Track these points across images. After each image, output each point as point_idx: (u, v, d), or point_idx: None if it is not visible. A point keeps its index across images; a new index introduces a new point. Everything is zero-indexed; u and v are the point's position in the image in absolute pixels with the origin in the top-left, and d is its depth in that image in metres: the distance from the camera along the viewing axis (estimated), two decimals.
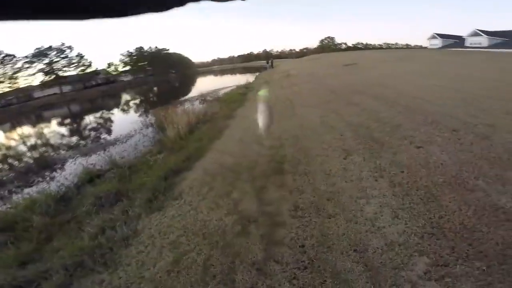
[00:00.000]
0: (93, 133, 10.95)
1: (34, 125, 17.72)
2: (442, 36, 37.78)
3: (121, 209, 3.20)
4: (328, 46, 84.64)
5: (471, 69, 9.45)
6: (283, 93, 9.41)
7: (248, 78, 19.34)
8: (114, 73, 57.35)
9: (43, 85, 40.43)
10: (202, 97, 13.62)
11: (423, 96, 5.58)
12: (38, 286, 2.22)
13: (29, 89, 38.91)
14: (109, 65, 56.56)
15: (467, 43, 32.43)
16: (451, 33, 38.32)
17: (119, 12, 0.37)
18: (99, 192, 3.72)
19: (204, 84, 25.82)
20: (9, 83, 36.89)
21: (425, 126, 3.83)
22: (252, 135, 4.81)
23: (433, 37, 38.96)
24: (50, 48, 41.79)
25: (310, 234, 2.08)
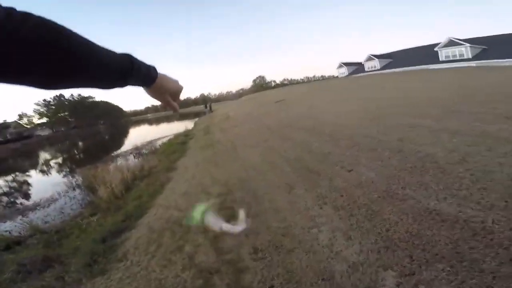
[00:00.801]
0: (5, 199, 9.31)
1: None
2: (346, 64, 44.88)
3: (55, 275, 2.82)
4: (260, 85, 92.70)
5: (372, 92, 11.47)
6: (224, 136, 9.54)
7: (187, 124, 19.11)
8: (28, 126, 48.43)
9: None
10: (137, 150, 12.70)
11: (342, 123, 6.37)
12: None
13: None
14: (21, 116, 47.91)
15: (366, 68, 39.38)
16: (353, 60, 45.84)
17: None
18: (21, 259, 3.29)
19: (138, 135, 24.34)
20: None
21: (349, 150, 4.27)
22: (198, 185, 4.60)
23: (340, 66, 46.14)
24: None
25: (276, 273, 2.00)
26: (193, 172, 5.58)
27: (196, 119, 26.06)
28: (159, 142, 13.98)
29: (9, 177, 14.11)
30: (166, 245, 2.87)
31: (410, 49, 36.69)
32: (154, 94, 0.62)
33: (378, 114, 6.38)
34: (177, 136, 14.00)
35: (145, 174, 6.72)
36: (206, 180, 4.74)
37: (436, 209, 2.22)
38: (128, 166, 7.93)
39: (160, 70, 0.61)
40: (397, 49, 39.64)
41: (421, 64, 27.36)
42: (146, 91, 0.60)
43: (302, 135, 6.17)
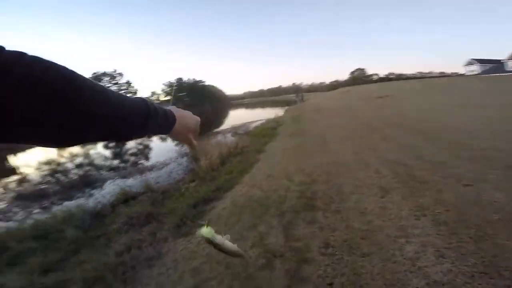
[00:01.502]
0: (133, 158, 11.70)
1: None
2: (480, 61, 35.59)
3: (150, 231, 3.35)
4: (359, 78, 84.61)
5: None
6: (314, 126, 9.44)
7: (278, 112, 19.75)
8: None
9: None
10: (234, 130, 14.16)
11: (468, 130, 5.22)
12: None
13: None
14: (153, 94, 61.39)
15: (507, 67, 30.01)
16: (487, 57, 35.70)
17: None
18: (132, 212, 3.96)
19: (235, 117, 26.90)
20: None
21: (473, 163, 3.53)
22: (282, 170, 4.80)
23: (470, 63, 36.98)
24: (104, 73, 47.66)
25: (340, 273, 1.94)
26: (280, 157, 5.85)
27: (286, 107, 26.49)
28: (253, 125, 15.15)
29: (139, 140, 18.04)
30: (243, 221, 3.10)
31: None
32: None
33: None
34: (268, 121, 14.77)
35: (238, 152, 7.46)
36: (291, 167, 4.88)
37: None
38: (226, 142, 8.98)
39: (177, 112, 0.56)
40: None
41: None
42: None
43: (410, 138, 5.46)
